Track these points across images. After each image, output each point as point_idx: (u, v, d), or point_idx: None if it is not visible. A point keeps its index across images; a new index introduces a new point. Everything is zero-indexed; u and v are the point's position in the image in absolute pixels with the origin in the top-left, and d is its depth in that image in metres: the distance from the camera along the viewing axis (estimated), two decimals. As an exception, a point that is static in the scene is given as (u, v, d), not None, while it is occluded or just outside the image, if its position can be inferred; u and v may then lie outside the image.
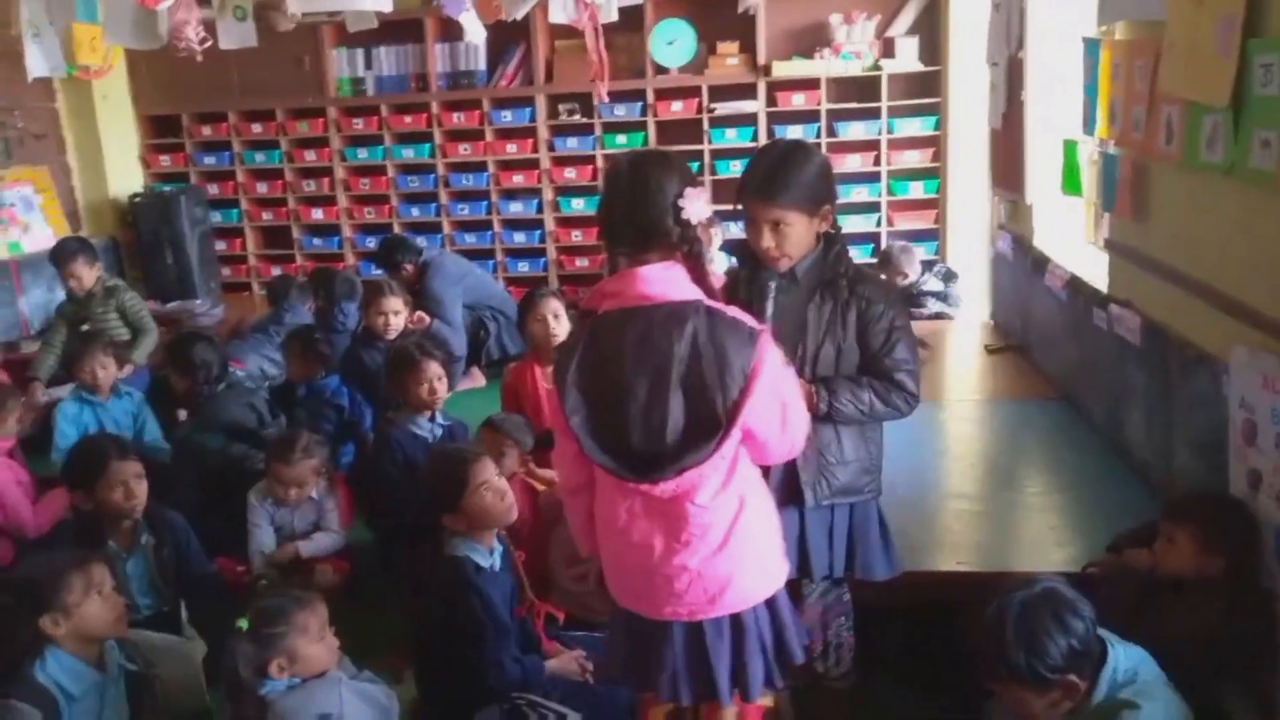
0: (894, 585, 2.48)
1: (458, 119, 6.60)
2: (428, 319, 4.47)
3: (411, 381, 3.44)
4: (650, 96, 6.39)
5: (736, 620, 1.91)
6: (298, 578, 3.21)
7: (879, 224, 6.38)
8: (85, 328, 4.70)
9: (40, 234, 6.13)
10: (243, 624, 2.19)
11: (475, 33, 5.33)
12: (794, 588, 2.32)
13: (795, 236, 2.17)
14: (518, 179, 6.64)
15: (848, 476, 2.27)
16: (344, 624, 2.90)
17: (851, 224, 6.35)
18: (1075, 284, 3.69)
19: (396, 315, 4.27)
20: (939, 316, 5.25)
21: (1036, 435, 3.61)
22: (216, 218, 7.02)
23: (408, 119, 6.66)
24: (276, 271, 7.00)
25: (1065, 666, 1.87)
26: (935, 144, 6.23)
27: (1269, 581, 2.21)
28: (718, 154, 6.37)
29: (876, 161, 6.29)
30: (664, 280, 1.82)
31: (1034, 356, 4.32)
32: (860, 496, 2.31)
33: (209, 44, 4.96)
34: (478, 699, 2.45)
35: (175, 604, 2.97)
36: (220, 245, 7.07)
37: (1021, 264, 4.45)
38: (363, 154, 6.79)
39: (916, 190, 6.31)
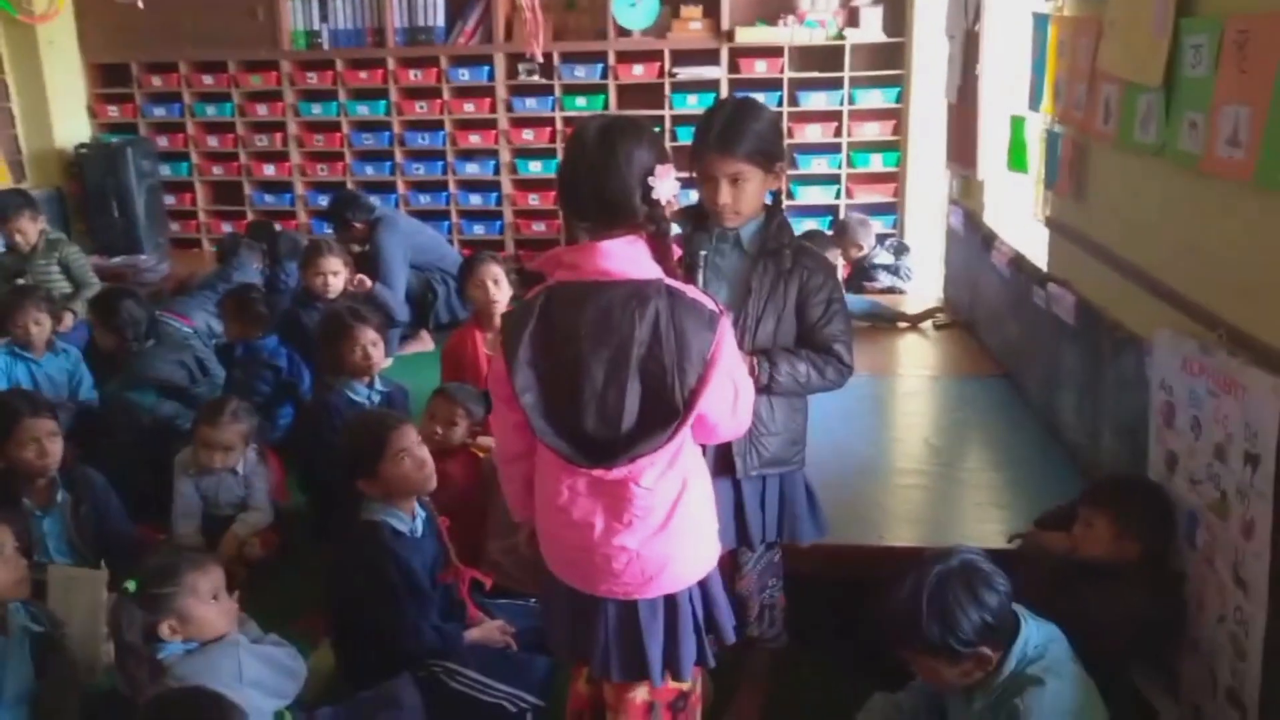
0: (821, 556, 2.49)
1: (414, 76, 6.48)
2: (369, 282, 4.40)
3: (344, 347, 3.39)
4: (611, 59, 6.30)
5: (671, 601, 1.88)
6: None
7: (838, 196, 6.36)
8: (21, 281, 4.58)
9: (-20, 182, 5.97)
10: (130, 585, 2.13)
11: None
12: (731, 559, 2.33)
13: (751, 192, 2.14)
14: (474, 139, 6.54)
15: (776, 447, 2.26)
16: (273, 592, 2.90)
17: (811, 195, 6.34)
18: (1018, 262, 3.68)
19: (335, 276, 4.20)
20: (890, 290, 5.23)
21: (975, 412, 3.62)
22: (166, 171, 6.88)
23: (363, 74, 6.53)
24: (227, 228, 6.88)
25: (977, 640, 1.88)
26: (896, 116, 6.20)
27: (1179, 564, 2.23)
28: (679, 120, 6.29)
29: (837, 133, 6.25)
30: (626, 257, 1.72)
31: (980, 333, 4.32)
32: (788, 467, 2.31)
33: (153, -10, 4.83)
34: (394, 666, 2.43)
35: (94, 563, 2.91)
36: (170, 200, 6.94)
37: (971, 240, 4.45)
38: (316, 109, 6.66)
39: (877, 163, 6.29)
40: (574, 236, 1.79)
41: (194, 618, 2.13)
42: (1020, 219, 4.02)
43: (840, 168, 6.31)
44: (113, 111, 6.86)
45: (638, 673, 1.89)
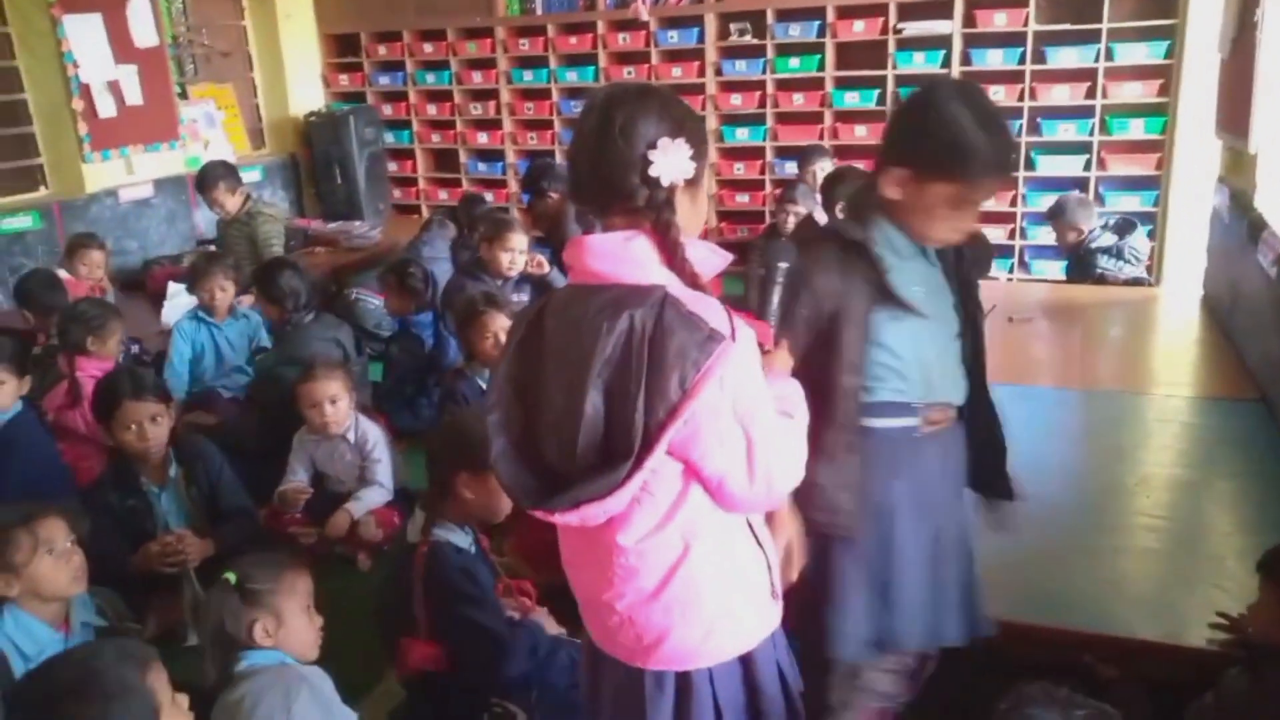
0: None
1: (623, 40, 6.23)
2: (546, 265, 4.17)
3: (475, 335, 3.20)
4: (830, 15, 5.77)
5: (684, 679, 1.52)
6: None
7: (1088, 167, 5.50)
8: (212, 248, 4.78)
9: (220, 150, 6.34)
10: (230, 577, 2.00)
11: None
12: None
13: None
14: (682, 105, 6.21)
15: None
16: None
17: (1056, 166, 5.54)
18: (1288, 260, 2.91)
19: (521, 254, 3.99)
20: (1136, 282, 4.41)
21: (1219, 448, 2.89)
22: (390, 139, 7.07)
23: (573, 39, 6.37)
24: (444, 196, 7.01)
25: None
26: (1165, 75, 5.25)
27: None
28: (902, 80, 5.68)
29: (1091, 94, 5.40)
30: (618, 255, 1.38)
31: (1237, 343, 3.51)
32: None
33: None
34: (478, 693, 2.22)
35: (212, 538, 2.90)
36: (393, 167, 7.14)
37: (1236, 227, 3.62)
38: (528, 76, 6.57)
39: (1137, 129, 5.37)
40: (591, 228, 1.46)
41: (287, 622, 1.97)
42: (1302, 204, 3.21)
43: (1092, 134, 5.45)
44: (344, 80, 7.12)
45: None
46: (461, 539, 2.25)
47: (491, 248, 4.14)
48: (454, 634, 2.20)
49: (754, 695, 1.56)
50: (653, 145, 1.36)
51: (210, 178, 4.90)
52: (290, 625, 1.98)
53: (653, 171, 1.35)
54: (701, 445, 1.36)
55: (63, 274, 4.33)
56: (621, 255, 1.38)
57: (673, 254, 1.39)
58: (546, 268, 4.36)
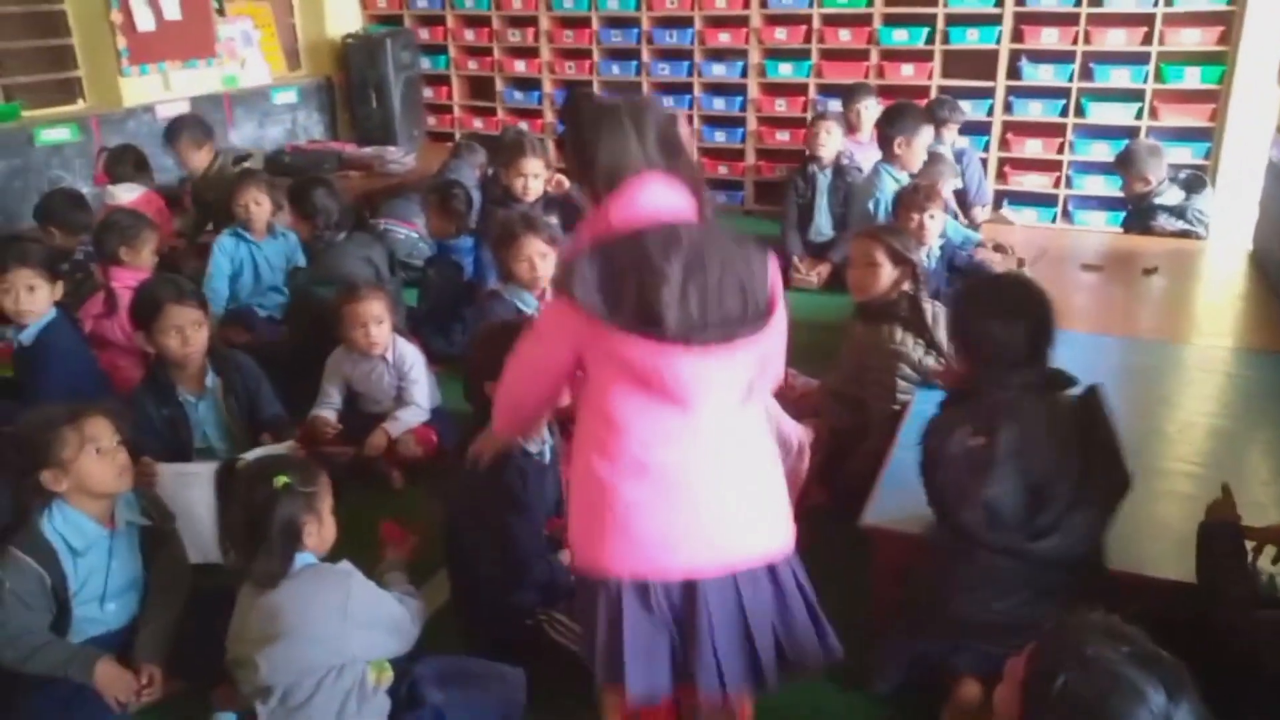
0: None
1: (668, -34, 6.10)
2: (566, 182, 4.12)
3: (510, 256, 3.17)
4: (882, -51, 5.61)
5: (773, 573, 1.69)
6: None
7: (1140, 115, 5.36)
8: (247, 164, 4.75)
9: (256, 69, 6.31)
10: (285, 479, 2.01)
11: None
12: None
13: None
14: (724, 38, 6.10)
15: None
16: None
17: (1106, 114, 5.42)
18: (1348, 212, 2.83)
19: (536, 178, 3.95)
20: (1186, 234, 4.31)
21: (1258, 400, 2.85)
22: (426, 64, 6.98)
23: (616, -37, 6.24)
24: (478, 124, 6.93)
25: None
26: (1226, 21, 5.09)
27: None
28: (953, 19, 5.54)
29: (1147, 39, 5.24)
30: (679, 199, 1.67)
31: (1289, 298, 3.45)
32: None
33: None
34: (505, 606, 2.23)
35: (248, 448, 2.93)
36: (429, 93, 7.05)
37: (1293, 179, 3.53)
38: (568, 3, 6.45)
39: (1193, 78, 5.22)
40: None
41: (325, 523, 2.02)
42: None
43: (1146, 82, 5.30)
44: (381, 2, 7.02)
45: (750, 672, 1.68)
46: (532, 443, 2.24)
47: (507, 174, 4.08)
48: (482, 535, 2.22)
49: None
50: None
51: (174, 130, 4.77)
52: (326, 525, 2.02)
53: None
54: (776, 335, 1.69)
55: (139, 189, 4.27)
56: (681, 198, 1.67)
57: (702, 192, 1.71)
58: (566, 185, 4.28)
